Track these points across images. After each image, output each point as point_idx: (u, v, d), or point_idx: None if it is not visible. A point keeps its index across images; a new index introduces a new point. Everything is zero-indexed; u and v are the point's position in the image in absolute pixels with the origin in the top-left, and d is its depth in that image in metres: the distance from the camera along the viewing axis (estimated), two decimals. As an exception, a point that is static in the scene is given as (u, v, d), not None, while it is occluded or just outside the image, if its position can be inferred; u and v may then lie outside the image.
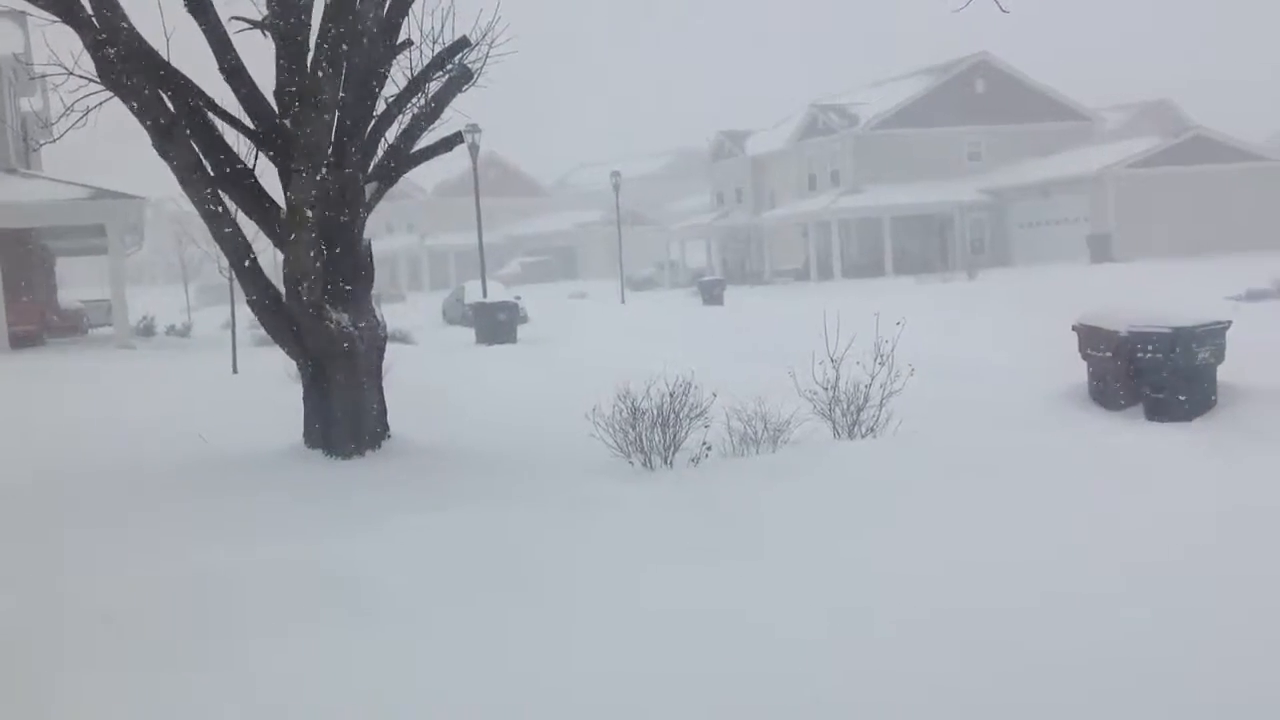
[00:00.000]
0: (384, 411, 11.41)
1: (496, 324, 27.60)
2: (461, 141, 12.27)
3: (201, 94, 10.92)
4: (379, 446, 11.12)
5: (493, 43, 12.03)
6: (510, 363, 21.27)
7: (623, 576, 7.04)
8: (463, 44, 11.69)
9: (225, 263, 12.30)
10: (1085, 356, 12.12)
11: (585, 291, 55.67)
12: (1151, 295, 16.73)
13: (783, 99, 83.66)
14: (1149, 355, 11.17)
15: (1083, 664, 5.32)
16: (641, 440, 10.11)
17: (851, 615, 6.12)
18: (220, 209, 10.97)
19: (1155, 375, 11.20)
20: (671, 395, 10.18)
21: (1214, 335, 11.22)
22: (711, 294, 42.01)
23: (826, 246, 56.49)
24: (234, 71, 10.92)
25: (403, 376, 15.01)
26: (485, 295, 32.77)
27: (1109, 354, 11.64)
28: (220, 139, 11.06)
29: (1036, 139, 58.19)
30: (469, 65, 11.78)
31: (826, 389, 10.76)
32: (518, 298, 32.32)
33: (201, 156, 10.87)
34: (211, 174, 10.91)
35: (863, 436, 10.59)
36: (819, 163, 60.90)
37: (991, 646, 5.57)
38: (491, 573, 7.17)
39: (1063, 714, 4.89)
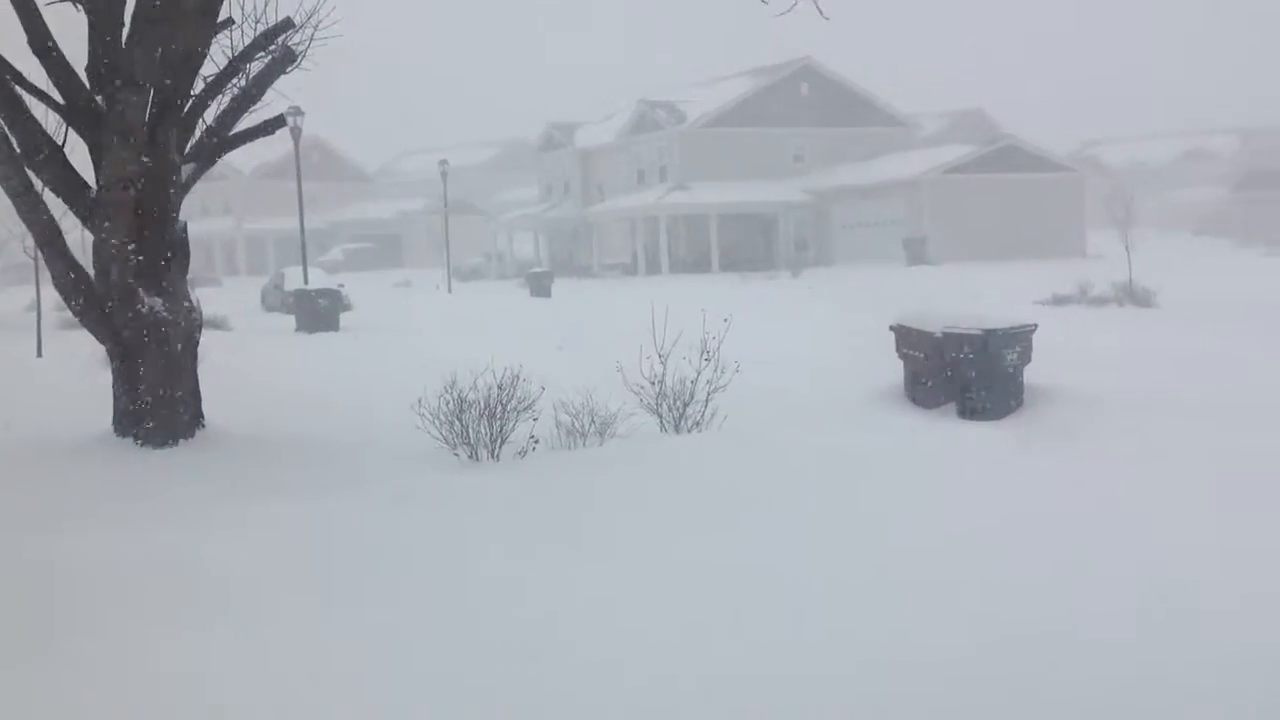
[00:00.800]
0: (198, 399, 11.05)
1: (318, 311, 27.01)
2: (284, 125, 11.99)
3: (7, 66, 10.38)
4: (193, 436, 10.76)
5: (318, 25, 11.80)
6: (332, 351, 20.84)
7: (448, 569, 6.98)
8: (286, 25, 11.41)
9: (30, 242, 11.73)
10: (902, 356, 12.50)
11: (410, 280, 54.91)
12: (967, 297, 17.36)
13: (610, 94, 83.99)
14: (962, 356, 11.59)
15: (895, 647, 5.50)
16: (468, 432, 10.04)
17: (667, 607, 6.19)
18: (27, 187, 10.46)
19: (967, 375, 11.63)
20: (500, 387, 10.13)
21: (1022, 338, 11.71)
22: (539, 286, 41.92)
23: (654, 242, 56.97)
24: (44, 45, 10.41)
25: (219, 364, 14.56)
26: (306, 282, 32.02)
27: (924, 354, 12.03)
28: (28, 114, 10.53)
29: (858, 142, 59.78)
30: (292, 47, 11.50)
31: (654, 384, 10.86)
32: (341, 285, 31.65)
33: (7, 131, 10.34)
34: (18, 150, 10.39)
35: (689, 431, 10.73)
36: (648, 158, 61.37)
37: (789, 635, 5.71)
38: (313, 566, 7.03)
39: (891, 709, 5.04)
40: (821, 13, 10.31)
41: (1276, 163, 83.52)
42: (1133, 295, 27.52)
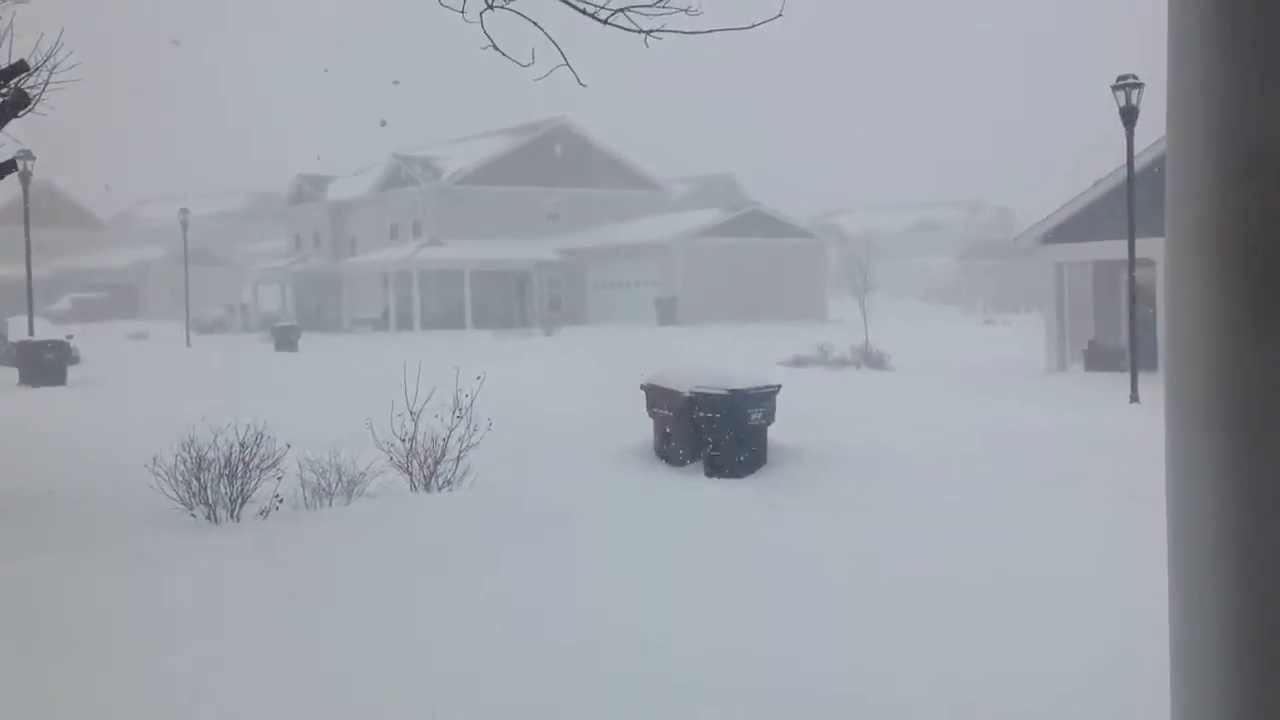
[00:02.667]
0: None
1: (43, 364, 25.47)
2: (14, 170, 11.32)
3: None
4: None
5: (54, 68, 11.21)
6: (59, 407, 19.65)
7: (170, 632, 6.65)
8: (20, 68, 10.82)
9: None
10: (652, 414, 12.71)
11: (147, 332, 52.49)
12: (714, 358, 17.80)
13: (362, 149, 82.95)
14: (709, 415, 11.87)
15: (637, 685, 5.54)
16: (206, 492, 9.62)
17: (399, 667, 6.06)
18: None
19: (714, 434, 11.90)
20: (241, 445, 9.76)
21: (766, 397, 12.09)
22: (286, 340, 40.75)
23: (407, 297, 56.33)
24: None
25: (-70, 419, 13.51)
26: (32, 332, 30.17)
27: (672, 413, 12.26)
28: None
29: (612, 204, 60.87)
30: (26, 90, 10.90)
31: (404, 441, 10.68)
32: (69, 336, 29.96)
33: None
34: None
35: (440, 489, 10.59)
36: (401, 213, 60.81)
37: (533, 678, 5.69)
38: (34, 629, 6.56)
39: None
40: (579, 79, 10.49)
41: (998, 234, 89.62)
42: (868, 358, 28.87)
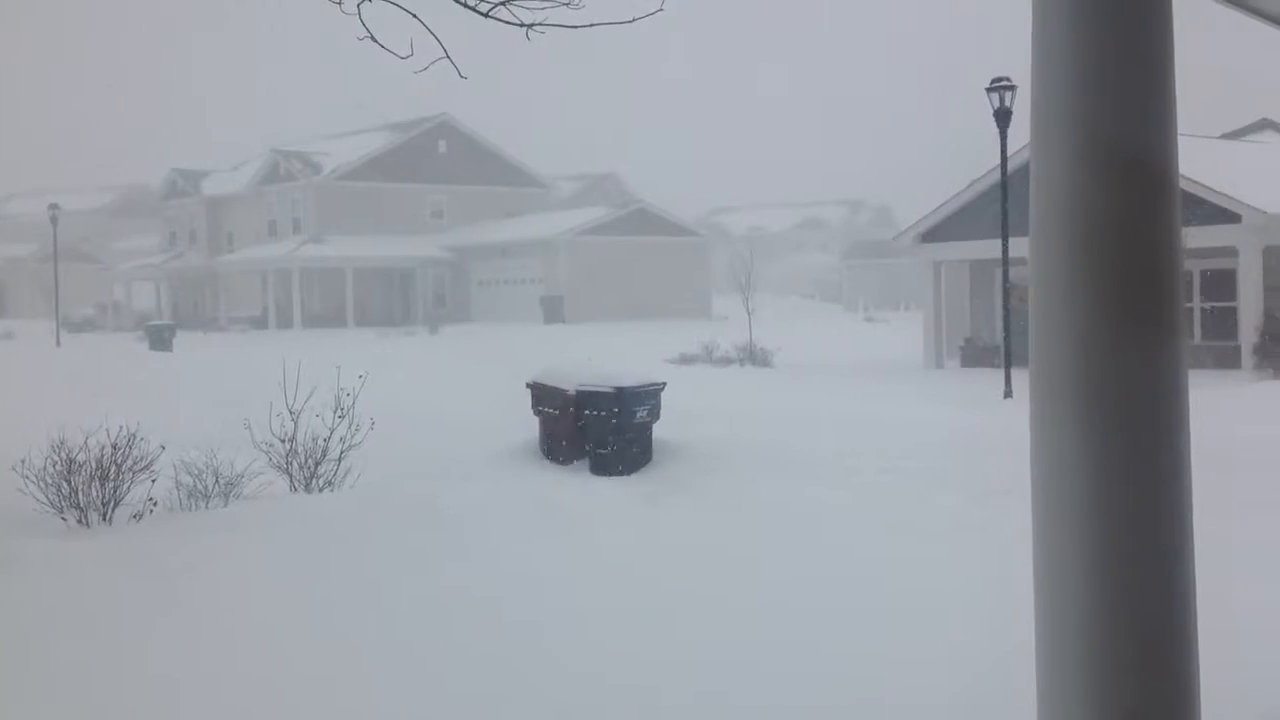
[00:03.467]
0: None
1: (-96, 364, 24.47)
2: None
3: None
4: None
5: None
6: (-80, 408, 18.86)
7: (35, 638, 6.45)
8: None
9: None
10: (538, 413, 12.67)
11: (13, 331, 50.73)
12: (600, 356, 17.82)
13: (238, 143, 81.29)
14: (594, 413, 11.88)
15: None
16: (77, 495, 9.33)
17: (267, 669, 5.98)
18: None
19: (600, 432, 11.92)
20: (114, 446, 9.50)
21: (652, 395, 12.14)
22: (160, 339, 39.69)
23: (287, 295, 55.34)
24: None
25: None
26: (-109, 331, 28.97)
27: (558, 411, 12.25)
28: None
29: (496, 201, 60.57)
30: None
31: (284, 441, 10.50)
32: (-68, 336, 28.87)
33: None
34: None
35: (320, 490, 10.43)
36: (280, 209, 59.74)
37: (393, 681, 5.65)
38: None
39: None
40: (459, 72, 10.42)
41: (879, 233, 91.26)
42: (753, 356, 29.16)
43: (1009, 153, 22.23)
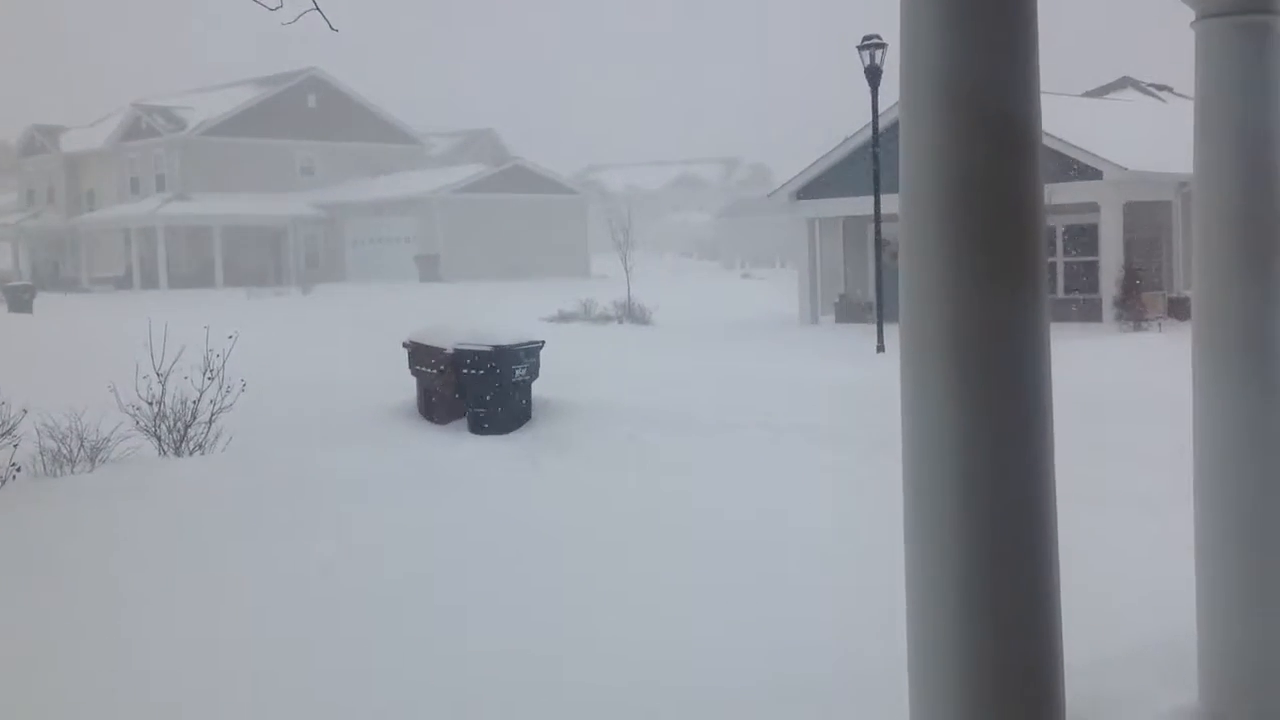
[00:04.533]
0: None
1: None
2: None
3: None
4: None
5: None
6: None
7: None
8: None
9: None
10: (415, 372, 12.55)
11: None
12: (478, 315, 17.69)
13: (101, 99, 78.50)
14: (473, 372, 11.81)
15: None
16: (-67, 463, 9.00)
17: (137, 634, 5.87)
18: None
19: (478, 391, 11.86)
20: (-30, 413, 9.16)
21: (530, 354, 12.11)
22: (19, 300, 38.28)
23: (152, 254, 53.76)
24: None
25: None
26: None
27: (436, 370, 12.15)
28: None
29: (369, 158, 59.51)
30: None
31: (151, 404, 10.24)
32: None
33: None
34: None
35: (191, 454, 10.21)
36: (143, 166, 57.91)
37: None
38: None
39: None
40: (330, 24, 10.18)
41: (755, 191, 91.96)
42: (631, 314, 29.25)
43: (880, 110, 22.56)
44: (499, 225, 53.83)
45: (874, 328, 22.17)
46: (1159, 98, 35.60)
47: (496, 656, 5.69)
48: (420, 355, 12.40)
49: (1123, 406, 12.26)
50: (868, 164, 23.03)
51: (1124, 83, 37.36)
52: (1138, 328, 23.59)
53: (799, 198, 29.67)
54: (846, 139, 28.15)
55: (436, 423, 12.16)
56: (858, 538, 7.46)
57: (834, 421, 11.82)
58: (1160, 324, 23.76)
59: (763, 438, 11.36)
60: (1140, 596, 6.22)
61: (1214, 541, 4.67)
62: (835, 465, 10.15)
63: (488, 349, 11.83)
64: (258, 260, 55.41)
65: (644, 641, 5.91)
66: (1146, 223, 26.03)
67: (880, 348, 21.07)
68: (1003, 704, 2.93)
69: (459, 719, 5.12)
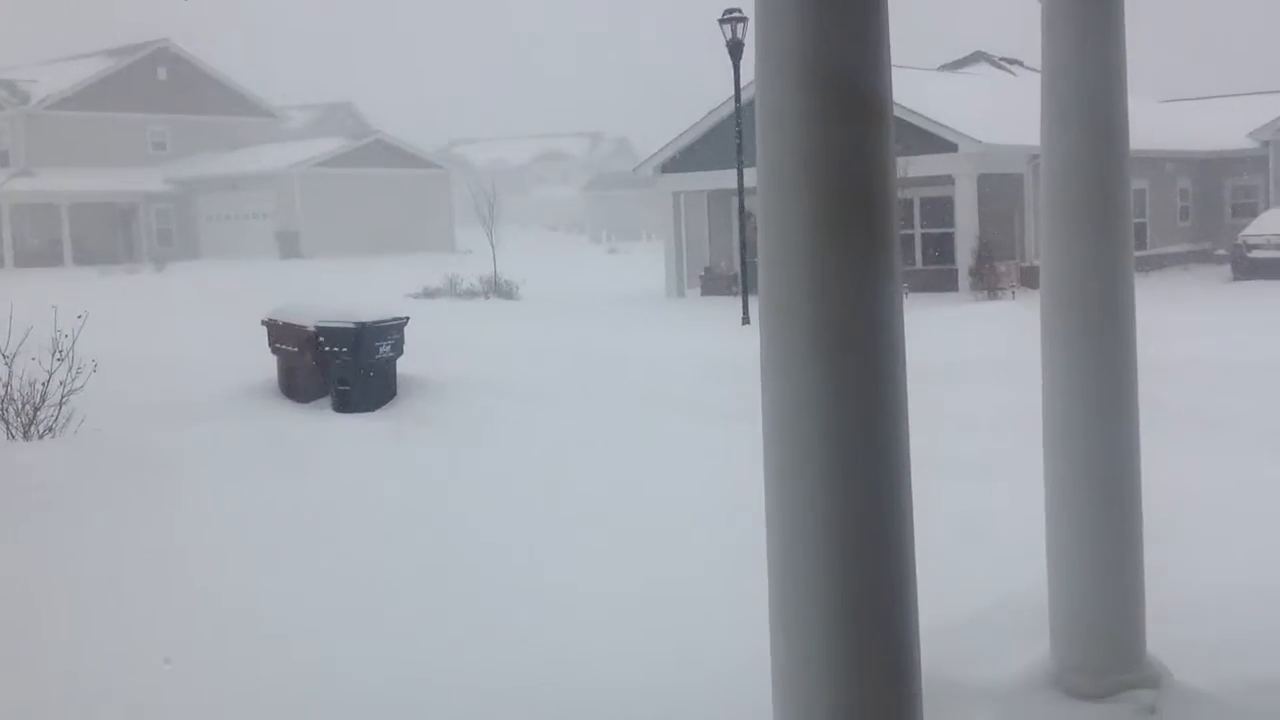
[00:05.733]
0: None
1: None
2: None
3: None
4: None
5: None
6: None
7: None
8: None
9: None
10: (275, 351, 12.30)
11: None
12: (340, 291, 17.43)
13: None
14: (335, 350, 11.61)
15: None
16: None
17: None
18: None
19: (341, 369, 11.67)
20: None
21: (394, 330, 11.95)
22: None
23: (-5, 232, 51.56)
24: None
25: None
26: None
27: (297, 348, 11.92)
28: None
29: (223, 132, 57.90)
30: None
31: (-3, 388, 9.87)
32: None
33: None
34: None
35: (40, 437, 9.86)
36: (-15, 140, 55.45)
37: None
38: None
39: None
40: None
41: (620, 165, 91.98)
42: (497, 288, 29.07)
43: (743, 84, 22.75)
44: (361, 200, 52.91)
45: (739, 300, 22.41)
46: (1010, 71, 36.59)
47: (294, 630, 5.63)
48: (280, 333, 12.15)
49: (976, 373, 12.61)
50: (731, 137, 23.22)
51: (976, 57, 38.30)
52: (992, 296, 24.27)
53: (664, 171, 29.79)
54: (710, 112, 28.33)
55: (299, 401, 11.93)
56: (715, 506, 7.57)
57: (698, 393, 11.94)
58: (1014, 292, 24.49)
59: (627, 410, 11.42)
60: (994, 556, 6.43)
61: (1063, 503, 4.85)
62: (696, 435, 10.25)
63: (350, 326, 11.65)
64: (108, 238, 53.54)
65: (499, 604, 5.90)
66: (1000, 194, 26.78)
67: (745, 319, 21.31)
68: (861, 663, 3.00)
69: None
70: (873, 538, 2.99)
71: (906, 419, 3.05)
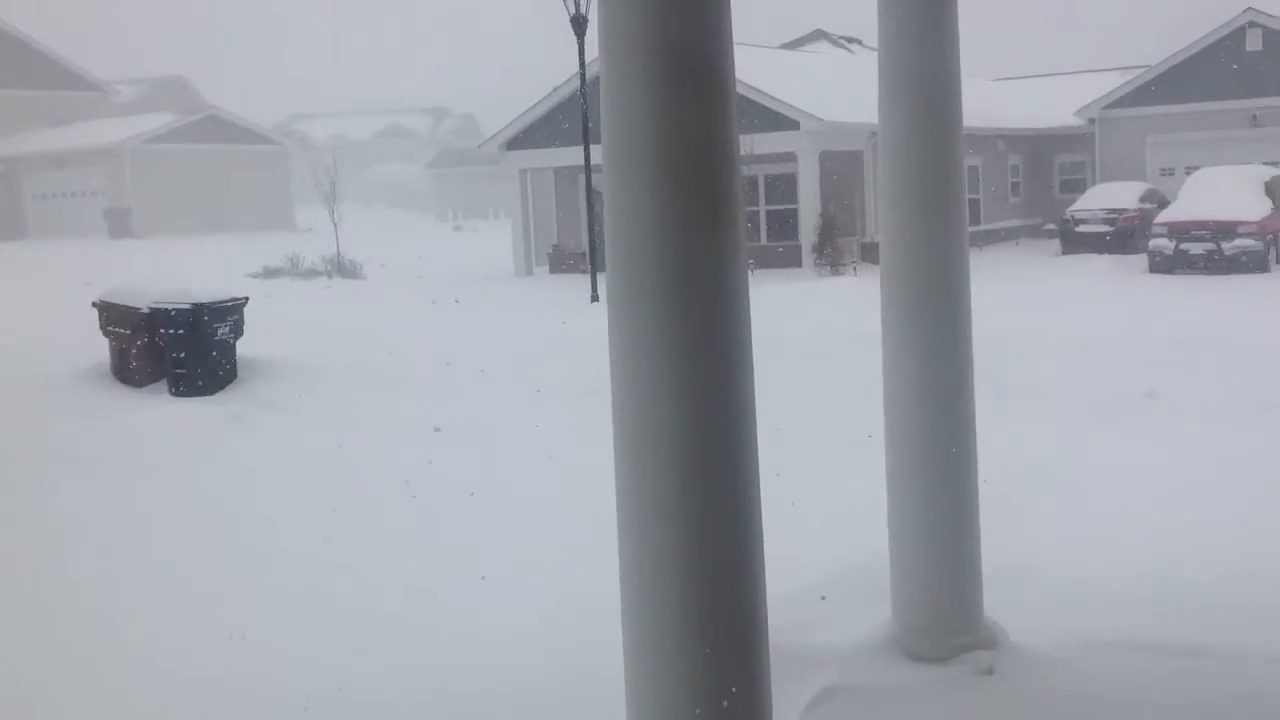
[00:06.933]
0: None
1: None
2: None
3: None
4: None
5: None
6: None
7: None
8: None
9: None
10: (107, 334, 11.87)
11: None
12: (175, 271, 16.88)
13: None
14: (171, 332, 11.25)
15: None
16: None
17: None
18: None
19: (178, 351, 11.32)
20: None
21: (233, 311, 11.63)
22: None
23: None
24: None
25: None
26: None
27: (130, 331, 11.52)
28: None
29: (47, 107, 55.47)
30: None
31: None
32: None
33: None
34: None
35: None
36: None
37: None
38: None
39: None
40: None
41: (465, 142, 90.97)
42: (341, 268, 28.52)
43: (588, 60, 22.70)
44: (195, 177, 51.27)
45: (588, 278, 22.41)
46: (849, 50, 37.30)
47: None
48: (113, 315, 11.72)
49: (819, 348, 12.86)
50: (577, 114, 23.15)
51: (816, 35, 38.95)
52: (835, 272, 24.76)
53: (510, 148, 29.56)
54: (556, 88, 28.20)
55: (133, 385, 11.54)
56: (562, 485, 7.58)
57: (546, 372, 11.91)
58: (855, 268, 25.02)
59: (479, 392, 11.33)
60: (836, 526, 6.58)
61: (904, 472, 4.97)
62: (546, 415, 10.23)
63: (187, 307, 11.30)
64: (-76, 217, 50.91)
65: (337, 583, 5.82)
66: (841, 171, 27.30)
67: (595, 297, 21.33)
68: (711, 635, 3.03)
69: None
70: (721, 510, 3.03)
71: (753, 391, 3.08)
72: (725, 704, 3.03)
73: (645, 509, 3.02)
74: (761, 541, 3.12)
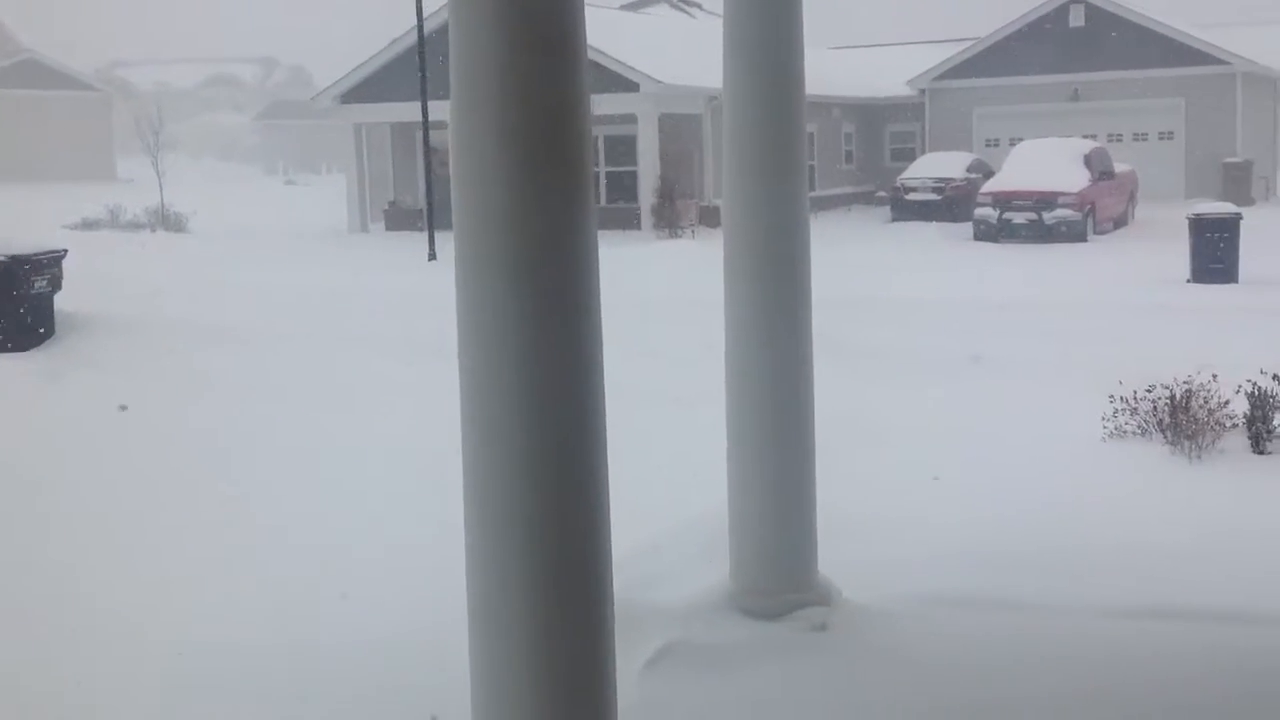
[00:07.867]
0: None
1: None
2: None
3: None
4: None
5: None
6: None
7: None
8: None
9: None
10: (-89, 286, 11.21)
11: None
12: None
13: None
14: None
15: None
16: None
17: None
18: None
19: (-10, 305, 10.78)
20: None
21: (51, 264, 11.14)
22: None
23: None
24: None
25: None
26: None
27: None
28: None
29: None
30: None
31: None
32: None
33: None
34: None
35: None
36: None
37: None
38: None
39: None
40: None
41: (295, 94, 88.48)
42: (165, 221, 27.54)
43: (426, 14, 22.30)
44: (10, 124, 48.77)
45: (425, 235, 22.10)
46: (689, 13, 37.44)
47: None
48: (-82, 268, 11.08)
49: (659, 309, 12.96)
50: (416, 68, 22.73)
51: (647, -1, 38.92)
52: (674, 235, 24.92)
53: (344, 102, 28.85)
54: (394, 41, 27.60)
55: (-58, 342, 10.94)
56: (400, 446, 7.48)
57: (384, 330, 11.72)
58: (694, 231, 25.23)
59: (315, 350, 11.08)
60: (677, 485, 6.65)
61: (742, 432, 5.05)
62: (383, 374, 10.07)
63: (2, 259, 10.76)
64: None
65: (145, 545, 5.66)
66: (680, 135, 27.44)
67: (432, 255, 21.06)
68: (555, 595, 3.04)
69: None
70: (566, 469, 3.03)
71: (601, 353, 3.08)
72: (569, 663, 3.04)
73: (489, 469, 3.00)
74: (608, 505, 3.14)
